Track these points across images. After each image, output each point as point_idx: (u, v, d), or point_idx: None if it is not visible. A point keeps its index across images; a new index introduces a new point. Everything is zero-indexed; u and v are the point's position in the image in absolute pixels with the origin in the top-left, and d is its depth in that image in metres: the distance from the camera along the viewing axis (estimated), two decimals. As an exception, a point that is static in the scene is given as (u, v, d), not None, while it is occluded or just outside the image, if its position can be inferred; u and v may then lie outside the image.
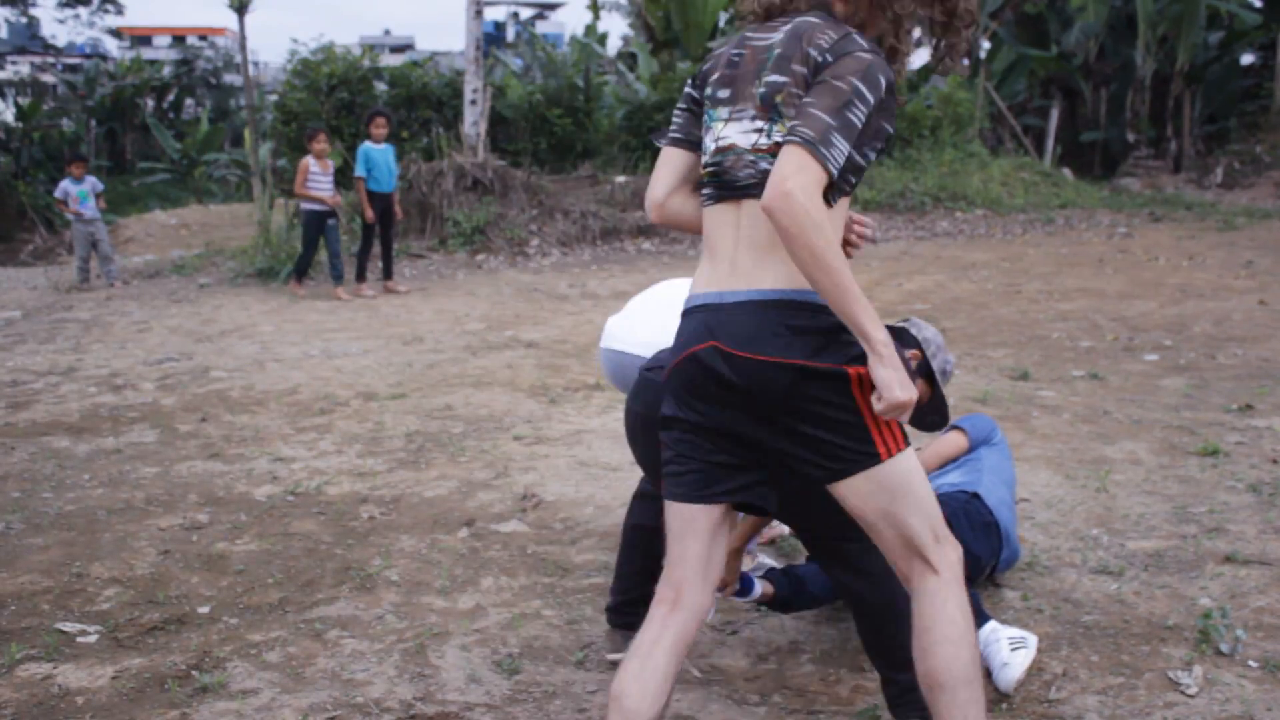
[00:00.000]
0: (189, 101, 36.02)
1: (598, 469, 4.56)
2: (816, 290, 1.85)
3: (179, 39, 55.44)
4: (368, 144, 9.29)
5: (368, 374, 6.40)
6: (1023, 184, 16.10)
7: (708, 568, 2.08)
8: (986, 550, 3.16)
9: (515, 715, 2.63)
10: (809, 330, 1.94)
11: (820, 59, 1.91)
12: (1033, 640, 2.79)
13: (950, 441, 3.49)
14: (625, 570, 2.93)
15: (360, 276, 9.73)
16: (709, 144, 2.06)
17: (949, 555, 2.03)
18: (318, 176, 9.23)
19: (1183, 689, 2.68)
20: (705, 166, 2.07)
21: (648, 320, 3.18)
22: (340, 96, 13.36)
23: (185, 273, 11.08)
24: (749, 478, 2.07)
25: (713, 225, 2.06)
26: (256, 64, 41.23)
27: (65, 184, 10.62)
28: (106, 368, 6.66)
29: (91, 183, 10.65)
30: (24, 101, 29.33)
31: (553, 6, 60.55)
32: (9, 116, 28.86)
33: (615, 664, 2.86)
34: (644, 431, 2.58)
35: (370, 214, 9.32)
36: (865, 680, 2.78)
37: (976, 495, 3.24)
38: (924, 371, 2.87)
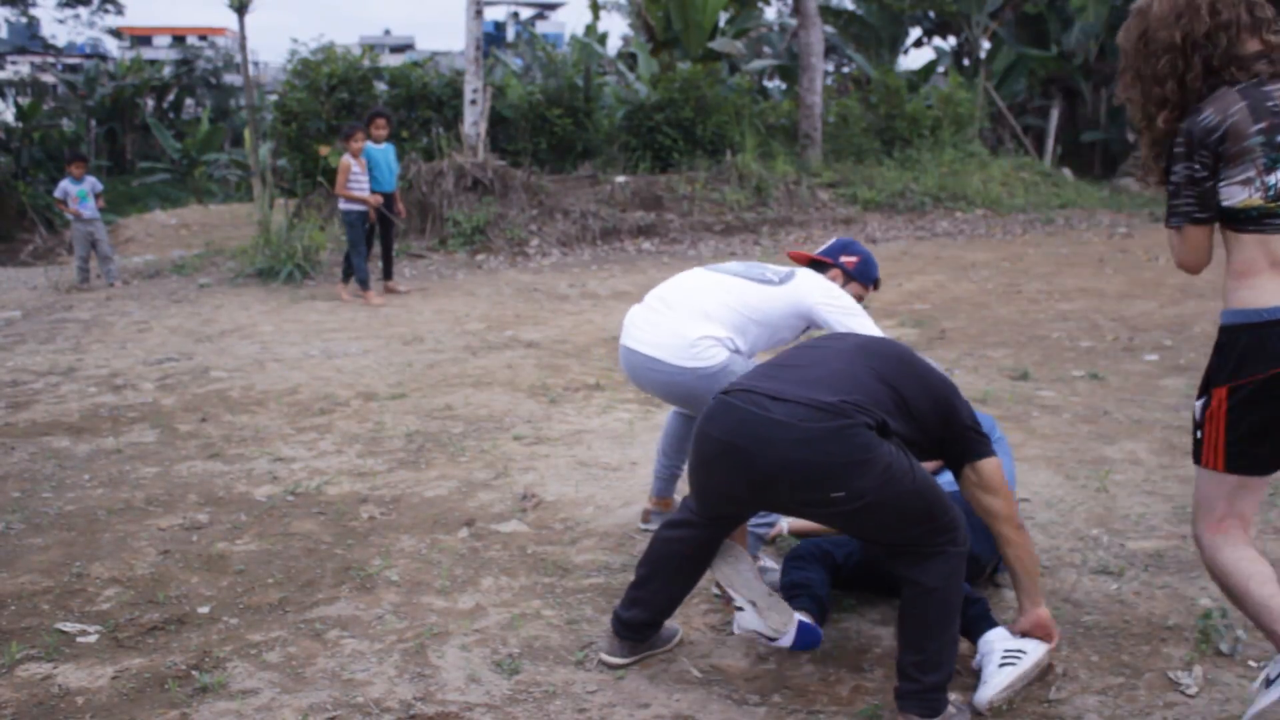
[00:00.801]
0: (189, 101, 36.00)
1: (598, 469, 4.56)
2: None
3: (179, 39, 55.42)
4: (368, 144, 9.28)
5: (368, 374, 6.40)
6: (1023, 184, 16.10)
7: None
8: (987, 550, 3.16)
9: (515, 715, 2.63)
10: None
11: None
12: (1032, 655, 2.70)
13: None
14: (657, 594, 2.82)
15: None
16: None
17: None
18: (358, 176, 9.05)
19: (1183, 689, 2.68)
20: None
21: (665, 324, 3.24)
22: (340, 96, 13.35)
23: (185, 273, 11.08)
24: None
25: None
26: (256, 64, 41.22)
27: (65, 184, 10.62)
28: (106, 368, 6.66)
29: (91, 183, 10.65)
30: (24, 101, 29.31)
31: (553, 6, 60.56)
32: (9, 116, 28.84)
33: (611, 666, 2.86)
34: (722, 458, 2.51)
35: (372, 214, 9.32)
36: (865, 680, 2.78)
37: None
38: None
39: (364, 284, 9.28)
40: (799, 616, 2.75)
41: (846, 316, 3.27)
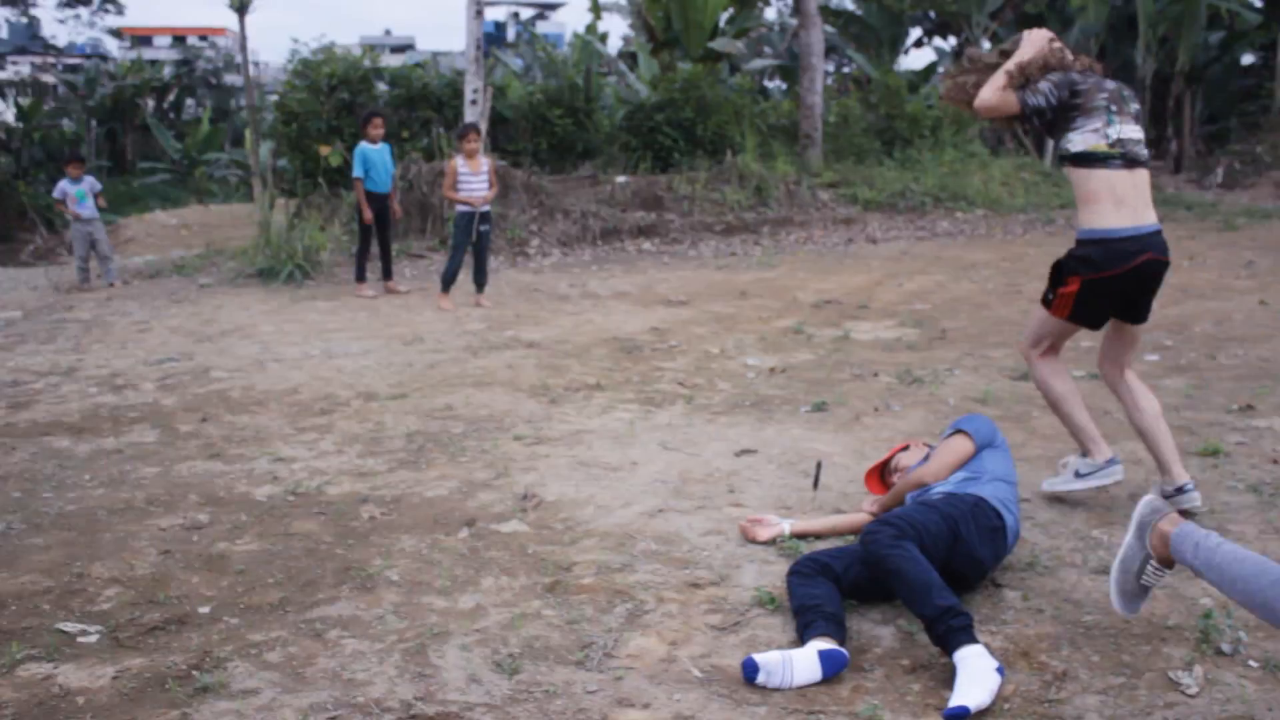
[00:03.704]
0: (189, 101, 36.05)
1: (598, 469, 4.56)
2: None
3: (179, 39, 55.45)
4: (364, 144, 9.28)
5: (368, 374, 6.40)
6: (1023, 184, 16.10)
7: None
8: (990, 555, 3.16)
9: (515, 715, 2.63)
10: None
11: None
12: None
13: (957, 448, 3.50)
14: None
15: (360, 277, 9.73)
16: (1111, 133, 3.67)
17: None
18: (468, 177, 8.67)
19: (1183, 689, 2.68)
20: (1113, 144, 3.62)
21: None
22: (340, 96, 13.35)
23: (185, 273, 11.08)
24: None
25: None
26: (257, 64, 41.21)
27: (63, 184, 10.64)
28: (107, 368, 6.66)
29: (89, 182, 10.66)
30: (24, 101, 29.35)
31: (553, 6, 60.58)
32: (9, 116, 28.88)
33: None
34: None
35: (369, 214, 9.31)
36: (865, 680, 2.78)
37: (982, 499, 3.24)
38: None
39: (448, 286, 8.90)
40: (818, 646, 2.76)
41: None
